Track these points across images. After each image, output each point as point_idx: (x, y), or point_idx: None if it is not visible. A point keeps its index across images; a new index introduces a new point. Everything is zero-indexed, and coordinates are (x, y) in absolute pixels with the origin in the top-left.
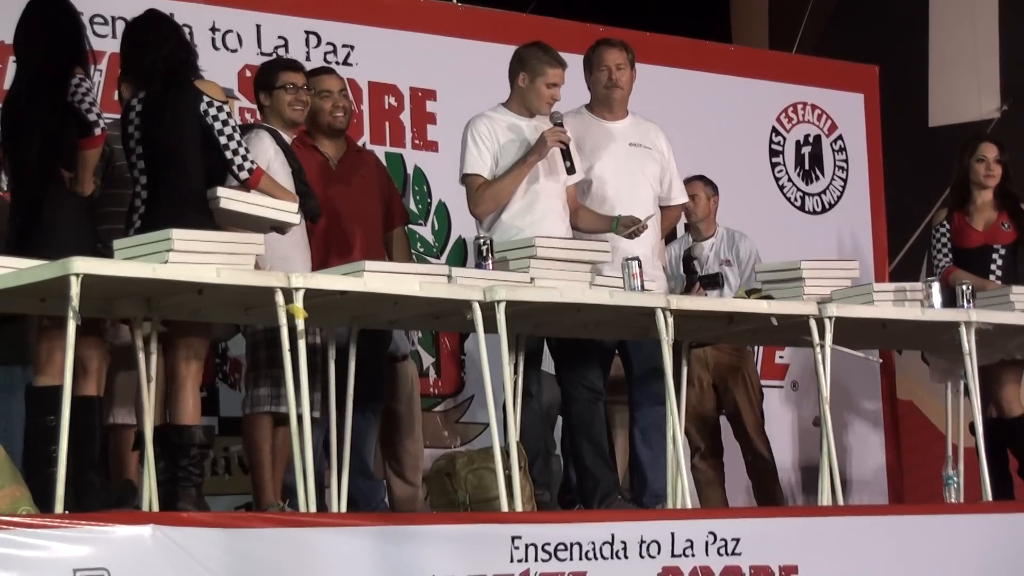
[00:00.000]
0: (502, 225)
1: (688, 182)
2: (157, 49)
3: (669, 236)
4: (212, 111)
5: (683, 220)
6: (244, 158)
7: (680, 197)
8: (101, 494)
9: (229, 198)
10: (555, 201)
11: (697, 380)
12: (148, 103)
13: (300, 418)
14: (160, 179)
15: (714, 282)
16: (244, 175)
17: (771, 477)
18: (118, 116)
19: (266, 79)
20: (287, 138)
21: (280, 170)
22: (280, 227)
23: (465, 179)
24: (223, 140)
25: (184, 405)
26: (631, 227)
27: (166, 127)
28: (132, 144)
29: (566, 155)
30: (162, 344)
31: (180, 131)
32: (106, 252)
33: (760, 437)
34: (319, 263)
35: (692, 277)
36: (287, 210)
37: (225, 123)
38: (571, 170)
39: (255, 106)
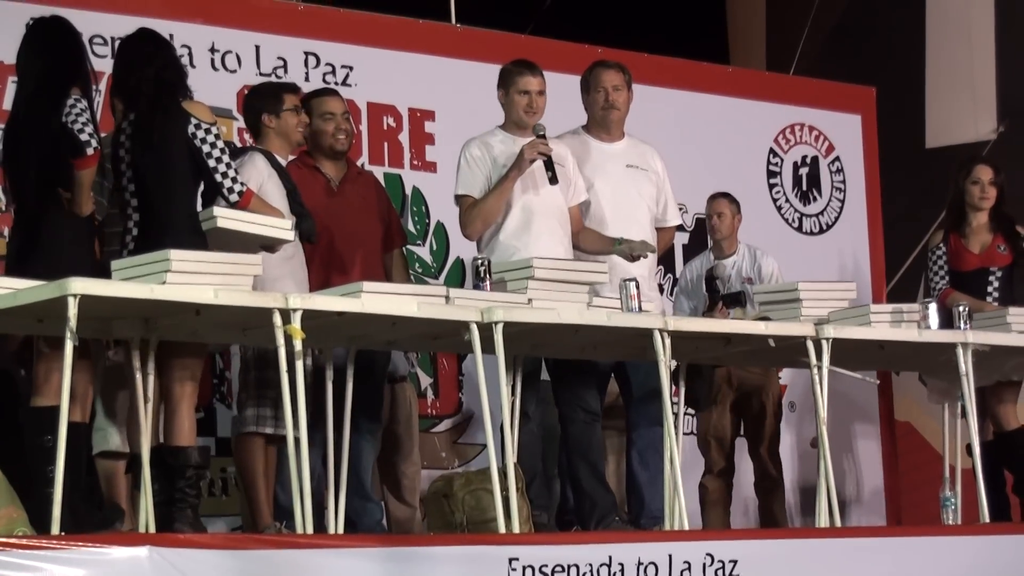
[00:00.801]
0: (498, 245)
1: (714, 199)
2: (143, 69)
3: (665, 256)
4: (200, 133)
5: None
6: (234, 180)
7: (675, 219)
8: (86, 518)
9: (226, 217)
10: (551, 220)
11: (721, 398)
12: (137, 126)
13: (297, 439)
14: (151, 202)
15: (736, 300)
16: (234, 197)
17: (777, 497)
18: None
19: (271, 102)
20: (282, 160)
21: (275, 192)
22: (271, 245)
23: (457, 200)
24: (211, 162)
25: (180, 426)
26: (631, 248)
27: (155, 150)
28: (123, 167)
29: (548, 165)
30: (157, 365)
31: (169, 154)
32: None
33: (773, 456)
34: (319, 283)
35: (715, 296)
36: (281, 227)
37: (213, 145)
38: (553, 180)
39: None
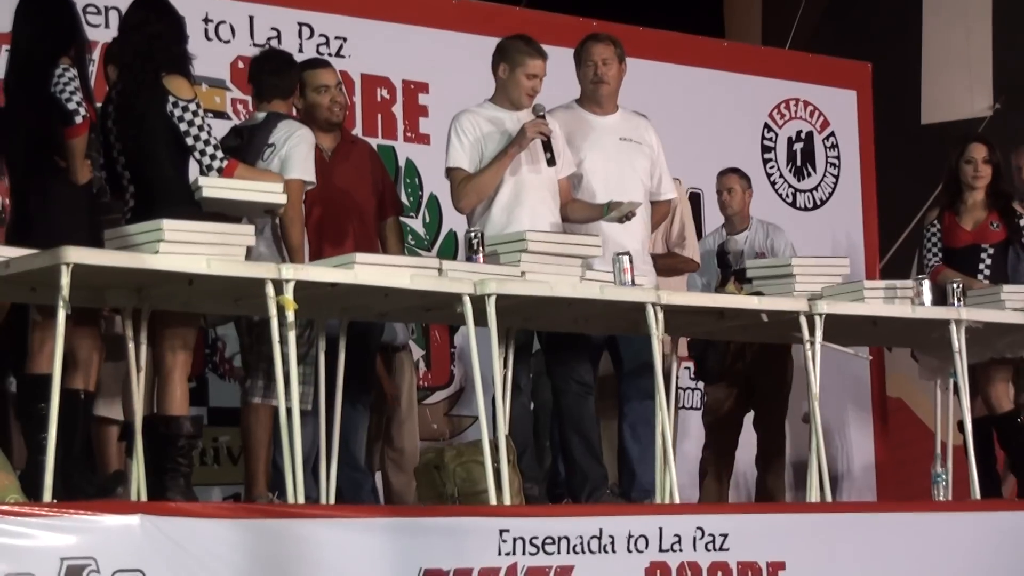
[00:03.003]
0: (490, 218)
1: (724, 174)
2: (129, 38)
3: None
4: (178, 111)
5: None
6: (213, 157)
7: (669, 193)
8: (82, 485)
9: (211, 186)
10: (543, 193)
11: (733, 371)
12: (121, 100)
13: (289, 409)
14: (144, 178)
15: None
16: (214, 175)
17: (776, 471)
18: None
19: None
20: None
21: None
22: (273, 209)
23: (448, 173)
24: (190, 140)
25: (172, 396)
26: (620, 211)
27: (138, 125)
28: (112, 139)
29: (547, 147)
30: (151, 335)
31: (151, 129)
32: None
33: (779, 430)
34: (312, 253)
35: (727, 271)
36: (272, 190)
37: (191, 123)
38: (551, 162)
39: (248, 97)
